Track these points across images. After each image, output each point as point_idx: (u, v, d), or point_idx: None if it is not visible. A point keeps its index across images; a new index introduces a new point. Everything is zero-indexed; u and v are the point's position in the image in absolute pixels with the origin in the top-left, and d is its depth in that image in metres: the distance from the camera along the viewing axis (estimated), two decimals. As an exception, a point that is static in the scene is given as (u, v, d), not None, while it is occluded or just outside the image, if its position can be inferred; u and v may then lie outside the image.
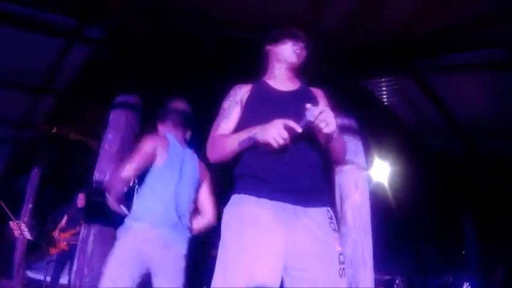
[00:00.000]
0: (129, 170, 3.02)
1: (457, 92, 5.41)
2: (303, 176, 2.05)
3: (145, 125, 4.72)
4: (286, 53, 2.36)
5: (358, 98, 5.42)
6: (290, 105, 2.15)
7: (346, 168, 4.77)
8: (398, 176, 6.98)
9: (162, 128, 3.33)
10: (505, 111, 5.78)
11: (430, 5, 4.07)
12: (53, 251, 7.04)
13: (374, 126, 5.91)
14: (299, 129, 1.89)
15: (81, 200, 7.15)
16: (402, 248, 9.27)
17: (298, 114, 2.02)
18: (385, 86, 5.61)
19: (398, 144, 6.62)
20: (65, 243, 6.91)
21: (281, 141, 1.89)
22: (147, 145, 3.11)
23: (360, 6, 4.20)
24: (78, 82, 6.13)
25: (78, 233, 6.67)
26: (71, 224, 7.04)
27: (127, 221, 2.99)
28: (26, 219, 7.49)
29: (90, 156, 7.37)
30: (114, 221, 4.72)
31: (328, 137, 1.96)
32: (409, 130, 6.59)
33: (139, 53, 5.15)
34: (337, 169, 4.79)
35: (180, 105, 3.42)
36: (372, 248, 4.72)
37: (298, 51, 2.35)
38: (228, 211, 2.10)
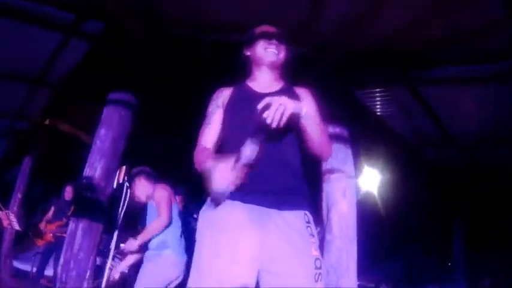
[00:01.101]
0: (169, 217, 4.10)
1: (451, 103, 5.45)
2: (277, 178, 2.03)
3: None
4: (261, 54, 2.33)
5: (351, 107, 5.46)
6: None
7: (334, 176, 4.79)
8: (389, 185, 7.02)
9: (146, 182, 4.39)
10: (498, 123, 5.83)
11: (425, 15, 4.09)
12: (39, 243, 7.04)
13: (366, 135, 5.95)
14: (244, 163, 1.83)
15: (68, 192, 7.18)
16: (391, 256, 9.30)
17: None
18: (379, 97, 5.64)
19: (389, 153, 6.65)
20: (51, 234, 6.91)
21: (223, 188, 1.89)
22: (170, 193, 4.23)
23: (355, 15, 4.22)
24: (73, 77, 6.12)
25: (64, 225, 6.70)
26: (57, 216, 7.05)
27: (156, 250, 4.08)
28: (15, 208, 7.46)
29: (81, 150, 7.42)
30: (103, 216, 4.80)
31: (295, 118, 1.92)
32: (401, 139, 6.62)
33: (136, 50, 5.17)
34: (325, 177, 4.82)
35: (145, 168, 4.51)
36: (356, 256, 4.74)
37: (271, 49, 2.32)
38: (202, 214, 2.10)
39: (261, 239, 1.95)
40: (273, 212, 1.99)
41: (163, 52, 5.28)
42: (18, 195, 7.54)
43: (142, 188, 4.42)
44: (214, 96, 2.37)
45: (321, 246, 2.12)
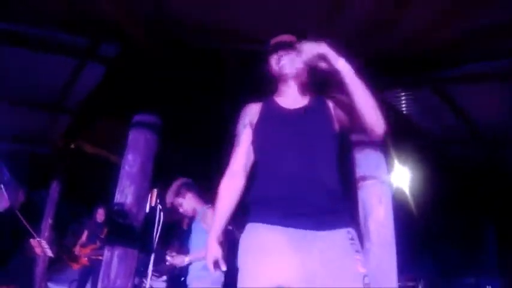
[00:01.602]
0: None
1: (477, 100, 5.35)
2: (316, 198, 1.97)
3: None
4: (276, 69, 2.30)
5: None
6: (296, 124, 2.12)
7: (369, 183, 4.70)
8: (419, 181, 6.92)
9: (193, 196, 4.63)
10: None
11: (449, 14, 3.99)
12: (75, 267, 7.07)
13: (395, 132, 5.85)
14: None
15: (100, 215, 7.19)
16: (423, 251, 9.22)
17: (304, 133, 2.05)
18: (404, 96, 5.55)
19: (418, 150, 6.55)
20: (86, 258, 6.93)
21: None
22: None
23: (378, 16, 4.13)
24: (92, 99, 6.11)
25: (99, 248, 6.74)
26: (91, 239, 7.08)
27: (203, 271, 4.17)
28: (46, 234, 7.49)
29: (105, 168, 7.44)
30: (137, 242, 4.78)
31: (327, 61, 2.04)
32: (429, 136, 6.53)
33: (154, 70, 5.12)
34: (359, 184, 4.73)
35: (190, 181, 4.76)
36: (395, 262, 4.65)
37: (283, 61, 2.28)
38: (242, 240, 2.06)
39: (304, 262, 1.88)
40: (314, 234, 1.92)
41: (180, 65, 5.21)
42: (48, 221, 7.55)
43: (191, 203, 4.53)
44: (242, 113, 2.34)
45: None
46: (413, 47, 4.60)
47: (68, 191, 8.12)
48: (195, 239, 4.62)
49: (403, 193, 6.99)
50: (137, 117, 5.06)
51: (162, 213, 4.77)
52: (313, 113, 2.17)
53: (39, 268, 7.46)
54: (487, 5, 3.79)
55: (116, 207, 4.77)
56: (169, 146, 5.63)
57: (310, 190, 1.98)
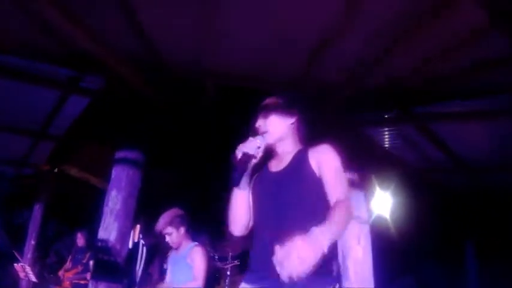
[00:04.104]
0: (204, 282, 4.22)
1: (459, 134, 5.41)
2: None
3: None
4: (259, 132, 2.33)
5: (358, 142, 5.44)
6: (272, 189, 2.17)
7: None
8: (400, 205, 7.00)
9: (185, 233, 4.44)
10: (503, 149, 5.82)
11: (431, 54, 4.04)
12: (58, 289, 7.09)
13: (375, 160, 5.93)
14: None
15: (80, 239, 7.18)
16: (405, 272, 9.33)
17: (277, 198, 2.11)
18: (387, 130, 5.61)
19: (400, 177, 6.62)
20: (69, 282, 6.94)
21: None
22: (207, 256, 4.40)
23: (360, 57, 4.18)
24: (76, 127, 6.13)
25: (80, 272, 6.78)
26: (74, 264, 7.08)
27: None
28: (29, 255, 7.49)
29: (89, 190, 7.46)
30: (120, 277, 4.82)
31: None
32: (411, 165, 6.62)
33: (137, 99, 5.13)
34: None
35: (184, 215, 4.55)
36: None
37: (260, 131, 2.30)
38: None
39: None
40: None
41: (164, 98, 5.23)
42: (31, 242, 7.55)
43: (181, 237, 4.48)
44: None
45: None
46: (397, 85, 4.66)
47: (51, 212, 8.12)
48: (177, 272, 4.60)
49: (385, 218, 7.08)
50: (120, 153, 5.06)
51: (144, 248, 4.78)
52: (290, 174, 2.18)
53: (22, 290, 7.47)
54: (471, 45, 3.86)
55: (99, 244, 4.80)
56: (152, 177, 5.67)
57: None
